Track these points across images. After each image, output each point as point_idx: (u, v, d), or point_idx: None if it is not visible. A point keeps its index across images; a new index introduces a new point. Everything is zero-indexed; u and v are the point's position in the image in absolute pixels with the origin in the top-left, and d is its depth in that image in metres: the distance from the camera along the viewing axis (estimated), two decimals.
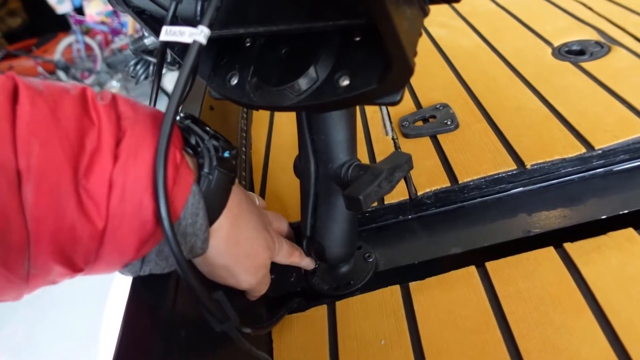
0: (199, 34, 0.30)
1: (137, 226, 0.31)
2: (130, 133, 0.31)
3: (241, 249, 0.40)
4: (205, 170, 0.35)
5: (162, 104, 0.33)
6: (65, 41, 4.55)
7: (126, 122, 0.31)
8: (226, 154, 0.36)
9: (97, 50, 4.57)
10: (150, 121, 0.33)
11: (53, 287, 0.33)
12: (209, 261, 0.39)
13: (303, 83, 0.34)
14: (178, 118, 0.37)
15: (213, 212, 0.36)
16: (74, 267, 0.30)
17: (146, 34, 0.85)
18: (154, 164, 0.30)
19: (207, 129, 0.37)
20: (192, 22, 0.32)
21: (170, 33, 0.32)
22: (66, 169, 0.28)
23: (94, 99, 0.31)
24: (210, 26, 0.30)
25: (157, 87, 0.40)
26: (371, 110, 0.75)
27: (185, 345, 0.35)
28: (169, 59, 0.75)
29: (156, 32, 0.41)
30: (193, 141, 0.36)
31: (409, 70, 0.30)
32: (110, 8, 4.59)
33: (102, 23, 4.69)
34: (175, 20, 0.35)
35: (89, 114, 0.30)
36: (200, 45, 0.30)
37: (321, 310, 0.49)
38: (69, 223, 0.28)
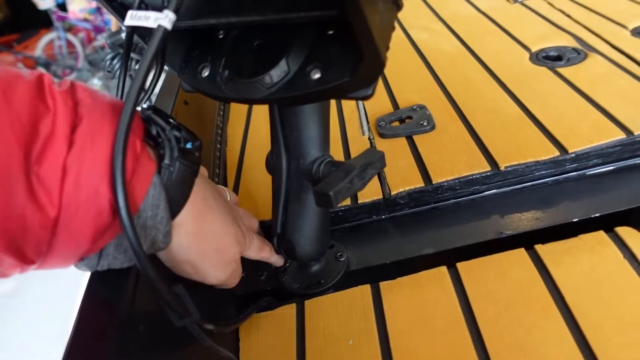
0: (164, 19, 0.29)
1: (93, 216, 0.29)
2: (87, 120, 0.30)
3: (208, 244, 0.39)
4: (166, 161, 0.34)
5: None
6: (47, 37, 4.49)
7: (84, 109, 0.30)
8: (188, 145, 0.35)
9: (79, 48, 4.51)
10: (109, 109, 0.31)
11: (23, 285, 0.32)
12: (174, 257, 0.38)
13: (274, 75, 0.34)
14: (139, 109, 0.36)
15: (174, 205, 0.35)
16: (25, 259, 0.29)
17: (123, 27, 0.84)
18: (112, 152, 0.29)
19: (170, 120, 0.36)
20: (160, 10, 0.31)
21: (135, 17, 0.31)
22: (16, 153, 0.27)
23: (50, 85, 0.30)
24: (175, 11, 0.29)
25: (125, 76, 0.39)
26: (348, 110, 0.74)
27: (144, 340, 0.33)
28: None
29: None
30: (154, 132, 0.35)
31: (380, 63, 0.30)
32: (93, 5, 4.54)
33: (85, 20, 4.63)
34: (145, 7, 0.34)
35: (45, 100, 0.29)
36: (165, 30, 0.29)
37: (290, 309, 0.48)
38: (18, 210, 0.27)
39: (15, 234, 0.27)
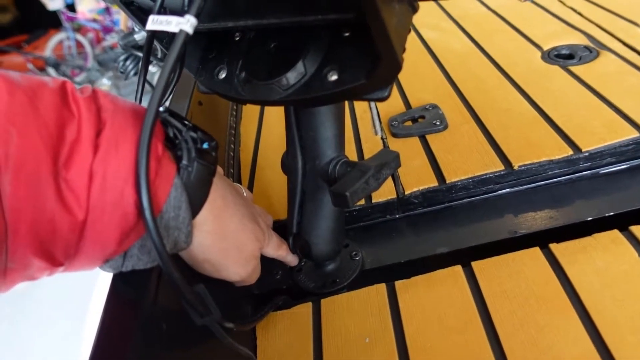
0: (186, 23, 0.29)
1: (119, 218, 0.30)
2: (111, 124, 0.31)
3: (228, 242, 0.40)
4: (184, 162, 0.34)
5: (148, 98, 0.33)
6: (56, 38, 4.52)
7: (106, 113, 0.31)
8: (205, 146, 0.36)
9: (88, 48, 4.54)
10: (130, 113, 0.32)
11: (36, 284, 0.32)
12: (196, 256, 0.38)
13: (291, 77, 0.34)
14: None
15: (194, 204, 0.35)
16: (54, 261, 0.30)
17: (136, 29, 0.85)
18: (135, 155, 0.30)
19: (185, 121, 0.36)
20: (180, 13, 0.31)
21: (157, 22, 0.31)
22: (45, 159, 0.28)
23: (73, 92, 0.31)
24: (197, 16, 0.30)
25: (144, 79, 0.39)
26: (361, 110, 0.75)
27: (166, 338, 0.34)
28: (159, 54, 0.75)
29: (144, 24, 0.41)
30: (171, 133, 0.35)
31: (397, 65, 0.30)
32: (102, 5, 4.57)
33: (94, 20, 4.66)
34: (164, 11, 0.35)
35: (69, 106, 0.30)
36: (187, 34, 0.30)
37: (306, 308, 0.49)
38: (48, 214, 0.28)
39: (45, 237, 0.28)
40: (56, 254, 0.29)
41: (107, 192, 0.29)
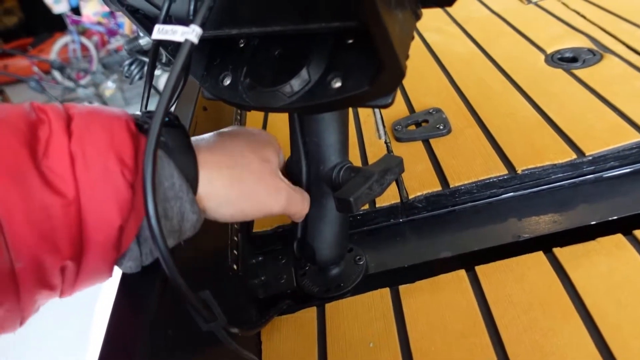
0: (191, 33, 0.30)
1: (111, 192, 0.31)
2: (78, 116, 0.32)
3: (246, 184, 0.40)
4: None
5: (154, 104, 0.33)
6: (61, 41, 4.55)
7: (72, 110, 0.33)
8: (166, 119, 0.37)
9: (93, 51, 4.56)
10: (92, 108, 0.34)
11: None
12: (232, 215, 0.39)
13: (295, 84, 0.34)
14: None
15: (185, 170, 0.36)
16: (60, 252, 0.30)
17: (141, 34, 0.85)
18: (107, 134, 0.32)
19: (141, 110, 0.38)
20: (186, 22, 0.32)
21: (162, 31, 0.32)
22: (22, 152, 0.29)
23: (39, 104, 0.33)
24: (202, 25, 0.30)
25: (149, 86, 0.40)
26: (364, 114, 0.75)
27: (172, 344, 0.34)
28: (164, 59, 0.75)
29: (150, 32, 0.41)
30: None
31: (400, 73, 0.31)
32: (107, 8, 4.58)
33: (99, 24, 4.68)
34: (169, 20, 0.35)
35: (37, 114, 0.32)
36: (192, 44, 0.30)
37: (311, 312, 0.49)
38: (38, 201, 0.29)
39: (44, 225, 0.29)
40: (60, 243, 0.30)
41: (91, 168, 0.31)
